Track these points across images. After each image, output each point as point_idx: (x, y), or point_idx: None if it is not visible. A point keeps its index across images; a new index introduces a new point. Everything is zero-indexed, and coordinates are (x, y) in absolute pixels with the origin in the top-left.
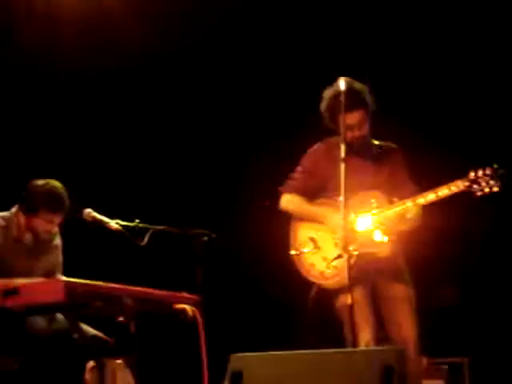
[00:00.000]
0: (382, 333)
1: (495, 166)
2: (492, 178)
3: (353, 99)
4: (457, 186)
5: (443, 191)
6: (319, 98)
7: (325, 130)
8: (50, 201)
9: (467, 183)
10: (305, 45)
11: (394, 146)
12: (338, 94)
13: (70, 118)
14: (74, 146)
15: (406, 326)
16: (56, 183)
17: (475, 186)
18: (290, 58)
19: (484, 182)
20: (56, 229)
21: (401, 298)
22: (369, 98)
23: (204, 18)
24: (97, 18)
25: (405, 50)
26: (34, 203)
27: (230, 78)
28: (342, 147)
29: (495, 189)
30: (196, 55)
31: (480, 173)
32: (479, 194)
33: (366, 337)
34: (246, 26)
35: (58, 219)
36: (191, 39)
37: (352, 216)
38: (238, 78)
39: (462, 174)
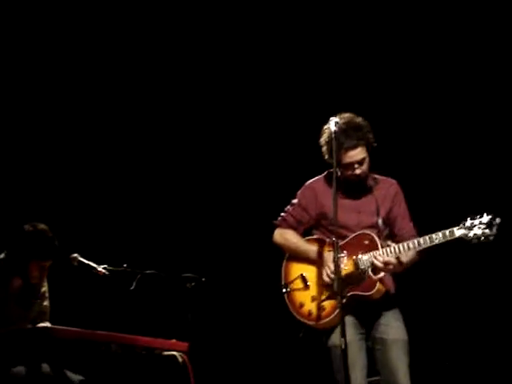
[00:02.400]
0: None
1: (491, 214)
2: (488, 227)
3: (353, 136)
4: (452, 234)
5: (439, 238)
6: (319, 133)
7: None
8: (41, 250)
9: (463, 231)
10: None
11: (392, 181)
12: (337, 130)
13: (55, 160)
14: (61, 189)
15: (398, 371)
16: (44, 228)
17: (470, 235)
18: (288, 93)
19: (480, 231)
20: (46, 274)
21: (394, 341)
22: (369, 134)
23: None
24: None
25: (404, 85)
26: (24, 253)
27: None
28: (334, 186)
29: (490, 238)
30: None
31: (476, 221)
32: (474, 242)
33: (356, 379)
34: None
35: (48, 264)
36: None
37: (345, 256)
38: (231, 121)
39: (457, 221)
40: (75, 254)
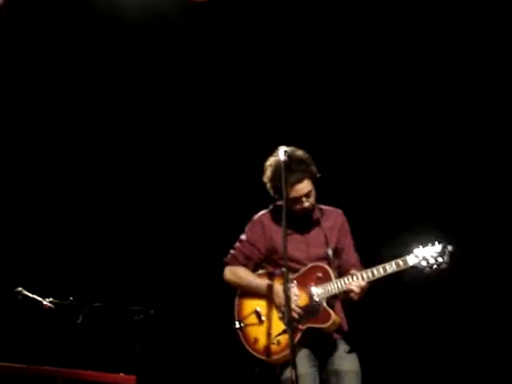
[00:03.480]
0: None
1: (445, 242)
2: (440, 255)
3: (297, 170)
4: (405, 263)
5: (392, 267)
6: (260, 169)
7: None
8: None
9: (416, 260)
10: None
11: (338, 211)
12: (280, 166)
13: None
14: (3, 220)
15: None
16: None
17: (423, 263)
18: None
19: (433, 259)
20: None
21: (348, 372)
22: (313, 167)
23: None
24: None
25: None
26: None
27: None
28: (284, 219)
29: (443, 266)
30: None
31: (429, 249)
32: (427, 270)
33: None
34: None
35: None
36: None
37: (296, 290)
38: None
39: (408, 249)
40: (19, 288)
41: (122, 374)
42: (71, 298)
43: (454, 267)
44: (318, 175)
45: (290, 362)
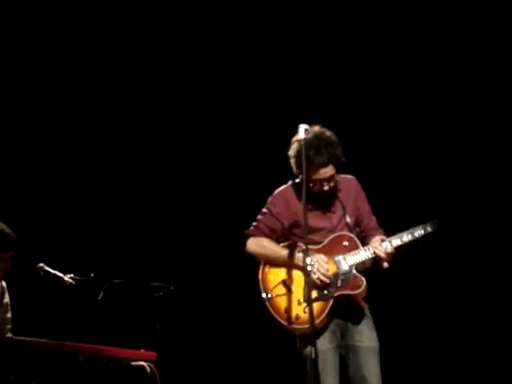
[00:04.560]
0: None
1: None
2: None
3: (324, 154)
4: (433, 226)
5: (419, 232)
6: (285, 144)
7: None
8: (2, 241)
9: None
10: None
11: (351, 177)
12: (307, 145)
13: (19, 167)
14: (26, 197)
15: (370, 378)
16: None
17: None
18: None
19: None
20: (9, 267)
21: (369, 348)
22: (339, 151)
23: None
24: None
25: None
26: None
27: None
28: (304, 194)
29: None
30: None
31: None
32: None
33: None
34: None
35: (9, 257)
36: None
37: (325, 258)
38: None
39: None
40: (41, 264)
41: (142, 350)
42: (92, 275)
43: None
44: (343, 159)
45: (310, 336)
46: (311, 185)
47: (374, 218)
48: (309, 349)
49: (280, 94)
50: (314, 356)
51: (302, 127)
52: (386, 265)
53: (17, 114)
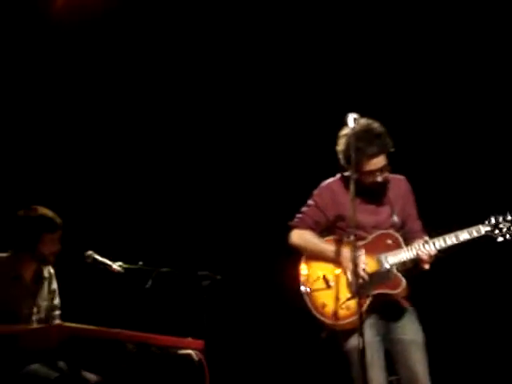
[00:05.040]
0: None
1: None
2: None
3: (374, 144)
4: (478, 231)
5: (464, 236)
6: (329, 135)
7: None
8: (47, 222)
9: (489, 228)
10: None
11: (401, 177)
12: (357, 137)
13: (69, 158)
14: (75, 187)
15: (417, 371)
16: (38, 207)
17: (496, 232)
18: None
19: (505, 228)
20: (60, 247)
21: (413, 341)
22: (389, 141)
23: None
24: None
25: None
26: (33, 232)
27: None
28: (352, 188)
29: None
30: None
31: (501, 218)
32: (500, 239)
33: (377, 380)
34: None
35: (58, 237)
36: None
37: (365, 256)
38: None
39: (480, 219)
40: (90, 252)
41: (189, 339)
42: (140, 263)
43: None
44: (393, 149)
45: (358, 329)
46: (364, 177)
47: (419, 223)
48: (355, 340)
49: (321, 88)
50: (361, 346)
51: (351, 116)
52: (426, 266)
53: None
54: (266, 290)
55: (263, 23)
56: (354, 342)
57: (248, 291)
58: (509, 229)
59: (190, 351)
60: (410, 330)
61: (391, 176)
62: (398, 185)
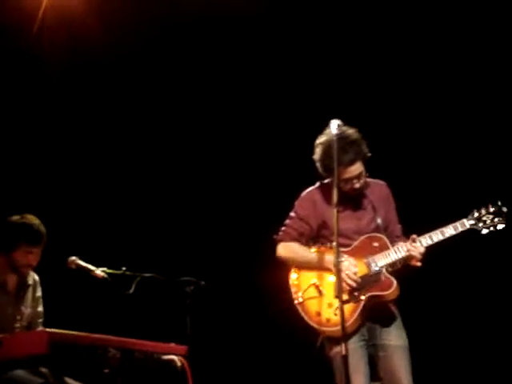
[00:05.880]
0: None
1: (498, 203)
2: (497, 216)
3: (350, 151)
4: (463, 225)
5: (449, 231)
6: (309, 145)
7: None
8: (28, 233)
9: (473, 221)
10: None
11: (382, 183)
12: (333, 145)
13: (52, 163)
14: (59, 191)
15: (400, 377)
16: (31, 217)
17: (480, 224)
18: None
19: (489, 220)
20: (35, 263)
21: (398, 346)
22: (364, 147)
23: None
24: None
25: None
26: (11, 237)
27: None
28: (335, 195)
29: (500, 226)
30: None
31: (483, 211)
32: (485, 231)
33: None
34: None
35: (37, 252)
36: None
37: (354, 260)
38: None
39: (462, 214)
40: (73, 257)
41: (172, 344)
42: (124, 268)
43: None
44: (369, 155)
45: (341, 335)
46: (342, 185)
47: (399, 227)
48: (338, 347)
49: (298, 96)
50: (344, 353)
51: (334, 127)
52: (419, 264)
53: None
54: (249, 296)
55: (244, 28)
56: (337, 347)
57: (232, 297)
58: (492, 220)
59: (173, 357)
60: (394, 335)
61: (371, 181)
62: (379, 189)
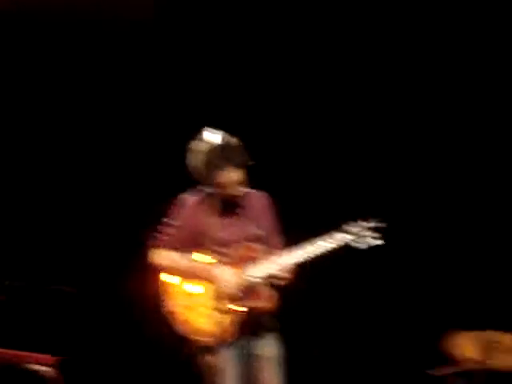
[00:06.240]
0: None
1: (376, 219)
2: (369, 230)
3: (230, 158)
4: (333, 238)
5: (322, 244)
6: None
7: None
8: None
9: (344, 235)
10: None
11: (262, 193)
12: (214, 152)
13: None
14: None
15: None
16: None
17: (349, 237)
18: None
19: (361, 235)
20: None
21: (271, 358)
22: (245, 155)
23: None
24: None
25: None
26: None
27: None
28: (213, 202)
29: (378, 242)
30: None
31: (356, 225)
32: (363, 247)
33: None
34: None
35: None
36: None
37: (231, 270)
38: None
39: (338, 227)
40: None
41: (39, 354)
42: None
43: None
44: (250, 163)
45: (215, 345)
46: (221, 191)
47: (279, 238)
48: (211, 358)
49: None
50: (217, 364)
51: (207, 132)
52: (282, 283)
53: None
54: (120, 303)
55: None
56: (211, 358)
57: (103, 305)
58: (371, 236)
59: (39, 367)
60: (268, 346)
61: (253, 192)
62: (260, 200)
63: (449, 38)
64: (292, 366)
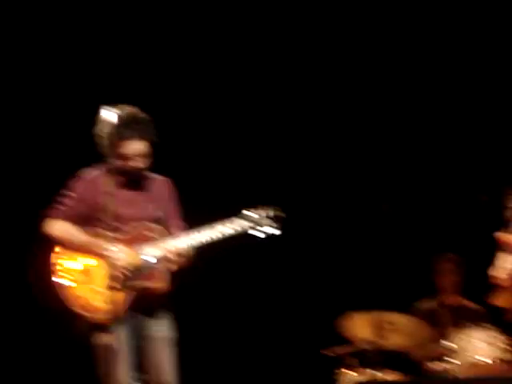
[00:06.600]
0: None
1: (277, 208)
2: (274, 220)
3: (136, 129)
4: (241, 225)
5: (224, 230)
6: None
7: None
8: None
9: (248, 223)
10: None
11: (166, 179)
12: (118, 121)
13: None
14: None
15: (164, 369)
16: None
17: (257, 227)
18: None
19: (259, 222)
20: None
21: (163, 338)
22: (152, 130)
23: None
24: None
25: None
26: None
27: None
28: (115, 177)
29: (276, 231)
30: None
31: (255, 212)
32: (261, 235)
33: (121, 378)
34: None
35: None
36: None
37: (126, 248)
38: None
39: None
40: None
41: None
42: None
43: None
44: (156, 140)
45: (109, 324)
46: (124, 162)
47: (180, 223)
48: (104, 336)
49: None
50: (110, 342)
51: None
52: (173, 267)
53: None
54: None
55: None
56: (103, 337)
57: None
58: (269, 225)
59: None
60: (161, 327)
61: (156, 176)
62: (163, 184)
63: (449, 38)
64: (185, 347)
